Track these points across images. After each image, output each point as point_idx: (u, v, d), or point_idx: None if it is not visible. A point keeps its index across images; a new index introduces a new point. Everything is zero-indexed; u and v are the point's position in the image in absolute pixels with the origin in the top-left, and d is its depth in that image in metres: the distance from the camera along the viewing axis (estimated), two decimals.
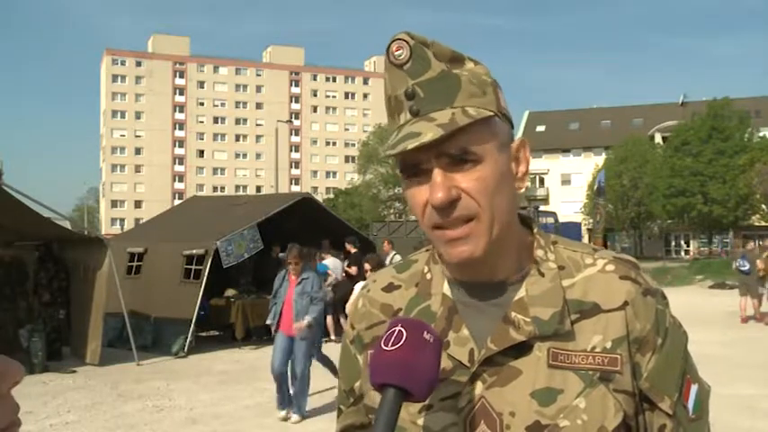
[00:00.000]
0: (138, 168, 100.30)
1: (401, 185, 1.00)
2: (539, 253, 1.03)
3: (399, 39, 0.95)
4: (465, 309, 1.01)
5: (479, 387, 0.96)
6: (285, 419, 7.26)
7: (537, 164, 66.71)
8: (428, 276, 1.07)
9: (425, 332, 0.88)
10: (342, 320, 12.64)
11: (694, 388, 1.01)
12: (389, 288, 1.10)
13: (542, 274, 1.00)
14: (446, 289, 1.04)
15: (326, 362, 8.01)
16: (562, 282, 1.00)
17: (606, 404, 0.94)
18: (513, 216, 1.00)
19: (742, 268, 15.14)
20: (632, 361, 0.97)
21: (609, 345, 0.96)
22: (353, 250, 13.24)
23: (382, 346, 0.87)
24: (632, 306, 0.98)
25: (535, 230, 1.06)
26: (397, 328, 0.88)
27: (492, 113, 0.95)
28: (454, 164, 0.93)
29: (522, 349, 0.96)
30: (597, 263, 1.02)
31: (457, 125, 0.90)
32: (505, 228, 0.97)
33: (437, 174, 0.92)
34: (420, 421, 0.98)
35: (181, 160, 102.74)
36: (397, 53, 0.95)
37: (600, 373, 0.95)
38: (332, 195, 70.46)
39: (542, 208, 35.91)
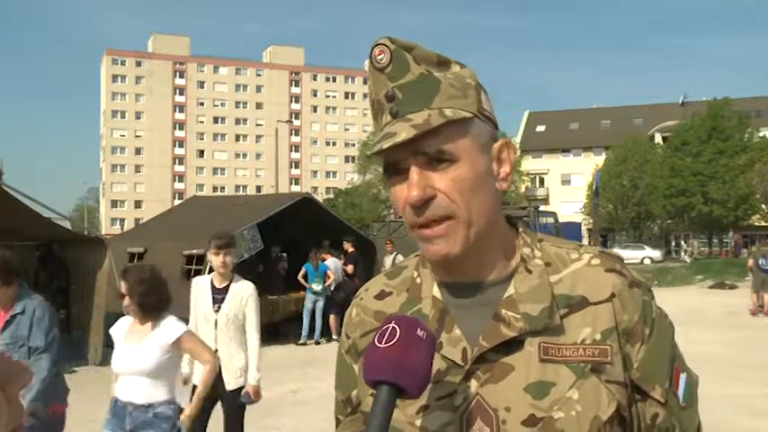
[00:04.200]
0: (138, 168, 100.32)
1: (387, 186, 1.02)
2: (525, 251, 1.04)
3: (381, 44, 0.98)
4: (456, 309, 1.03)
5: (474, 385, 0.97)
6: None
7: (537, 164, 66.70)
8: (418, 281, 1.08)
9: (419, 329, 0.89)
10: None
11: (683, 376, 1.03)
12: (381, 295, 1.12)
13: (530, 271, 1.02)
14: (436, 291, 1.05)
15: None
16: (549, 278, 1.01)
17: (599, 394, 0.95)
18: (495, 216, 1.02)
19: (764, 267, 16.14)
20: (622, 352, 0.98)
21: (598, 336, 0.97)
22: (351, 250, 13.27)
23: (376, 343, 0.88)
24: (619, 298, 0.99)
25: (521, 229, 1.08)
26: (391, 325, 0.89)
27: (471, 115, 0.97)
28: (430, 163, 0.95)
29: (513, 345, 0.97)
30: (583, 257, 1.04)
31: (430, 126, 0.92)
32: (486, 228, 0.99)
33: (413, 172, 0.95)
34: (417, 422, 0.99)
35: (181, 160, 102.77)
36: (378, 57, 0.98)
37: (591, 364, 0.96)
38: (332, 195, 70.42)
39: (542, 208, 35.87)
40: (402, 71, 0.97)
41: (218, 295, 4.43)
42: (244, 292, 4.43)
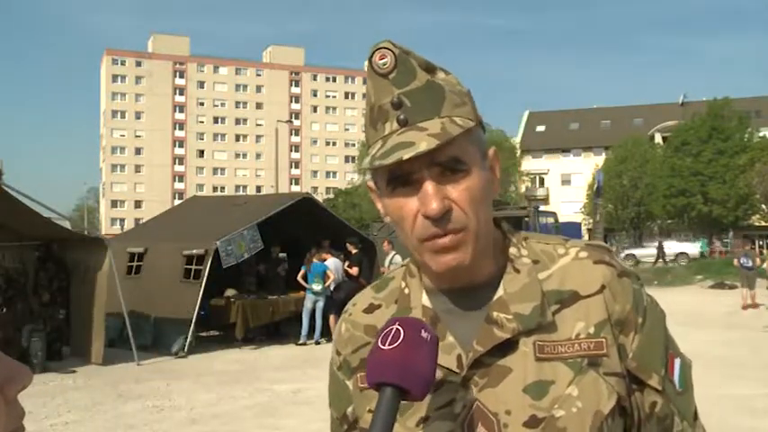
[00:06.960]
0: (138, 168, 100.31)
1: (380, 197, 0.99)
2: (512, 251, 1.03)
3: (383, 47, 0.95)
4: (447, 316, 1.01)
5: (472, 390, 0.96)
6: None
7: (537, 164, 66.72)
8: (406, 291, 1.07)
9: (422, 330, 0.87)
10: None
11: (677, 362, 1.03)
12: (370, 309, 1.10)
13: (518, 271, 1.01)
14: (425, 300, 1.03)
15: None
16: (538, 275, 1.00)
17: (599, 389, 0.95)
18: (491, 221, 1.02)
19: (746, 265, 18.26)
20: (617, 342, 0.98)
21: (592, 330, 0.97)
22: (355, 251, 13.26)
23: (379, 344, 0.87)
24: (609, 288, 0.99)
25: (505, 229, 1.07)
26: (395, 327, 0.88)
27: (473, 123, 0.96)
28: (444, 174, 0.93)
29: (508, 347, 0.96)
30: (570, 251, 1.03)
31: (450, 135, 0.90)
32: (488, 235, 0.99)
33: (429, 184, 0.92)
34: None
35: (181, 160, 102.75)
36: (381, 62, 0.95)
37: (588, 358, 0.96)
38: (332, 195, 70.41)
39: (542, 208, 35.80)
40: (408, 77, 0.94)
41: None
42: None
